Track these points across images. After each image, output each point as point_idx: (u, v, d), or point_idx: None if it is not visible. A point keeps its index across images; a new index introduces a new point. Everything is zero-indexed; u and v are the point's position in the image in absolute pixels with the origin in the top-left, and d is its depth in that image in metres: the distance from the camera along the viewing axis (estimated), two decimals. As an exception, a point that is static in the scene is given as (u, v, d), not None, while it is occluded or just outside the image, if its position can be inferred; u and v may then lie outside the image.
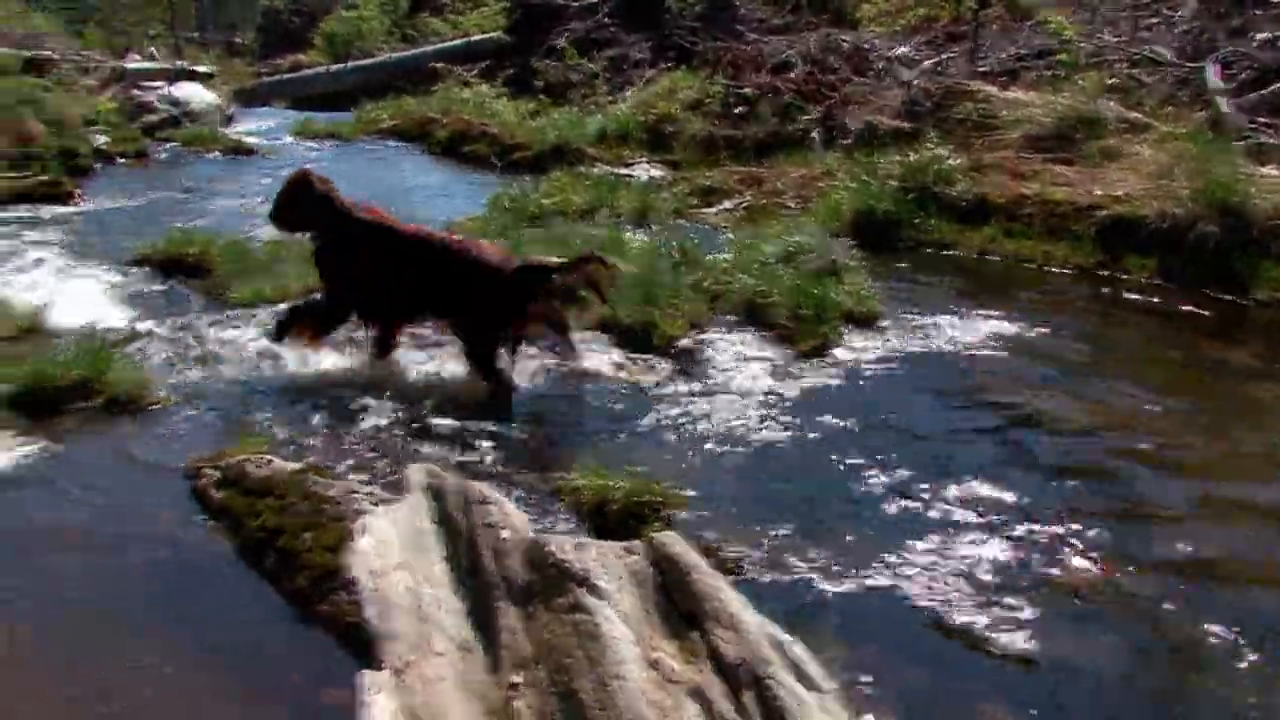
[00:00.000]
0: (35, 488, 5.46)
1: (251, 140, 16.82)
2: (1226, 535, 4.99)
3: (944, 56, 14.87)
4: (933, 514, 5.06)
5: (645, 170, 13.59)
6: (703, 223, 10.81)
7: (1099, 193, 9.65)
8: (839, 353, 7.14)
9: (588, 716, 3.15)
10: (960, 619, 4.26)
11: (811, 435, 5.95)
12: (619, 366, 6.98)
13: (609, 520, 4.91)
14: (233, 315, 7.70)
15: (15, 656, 4.16)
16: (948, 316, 7.82)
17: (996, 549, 4.76)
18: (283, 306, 7.04)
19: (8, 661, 4.13)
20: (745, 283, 7.93)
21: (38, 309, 7.81)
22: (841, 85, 14.55)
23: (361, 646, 3.86)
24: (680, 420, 6.19)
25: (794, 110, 14.19)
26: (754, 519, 5.04)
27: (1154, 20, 14.53)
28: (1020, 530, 4.92)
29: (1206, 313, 8.18)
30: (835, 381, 6.71)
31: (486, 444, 5.85)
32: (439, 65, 20.78)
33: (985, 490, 5.28)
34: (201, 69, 22.10)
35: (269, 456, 5.39)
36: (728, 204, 11.58)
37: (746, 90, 14.93)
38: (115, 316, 7.67)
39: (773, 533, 4.90)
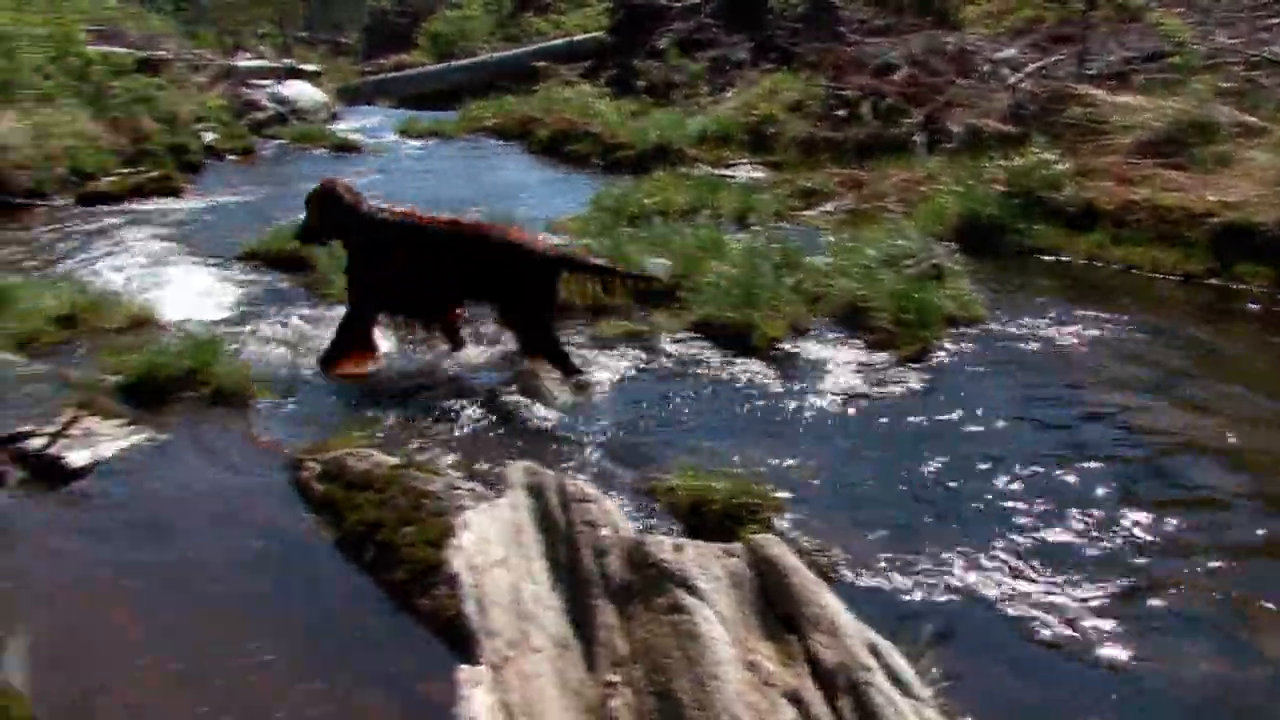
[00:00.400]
0: (142, 476, 5.59)
1: (356, 138, 17.07)
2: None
3: (1051, 59, 14.59)
4: (1032, 521, 4.99)
5: (746, 171, 13.56)
6: (803, 225, 10.74)
7: (1212, 199, 9.41)
8: (940, 357, 7.06)
9: (685, 717, 3.15)
10: (1060, 628, 4.20)
11: (910, 440, 5.89)
12: (717, 367, 6.97)
13: (706, 521, 4.91)
14: (333, 311, 7.80)
15: (119, 638, 4.25)
16: (1052, 322, 7.69)
17: (1097, 557, 4.69)
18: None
19: (111, 643, 4.23)
20: (846, 285, 7.88)
21: (148, 301, 7.99)
22: (945, 88, 14.38)
23: (460, 641, 3.89)
24: (778, 422, 6.17)
25: (896, 113, 14.06)
26: (851, 523, 5.01)
27: (1274, 21, 14.15)
28: (1121, 540, 4.83)
29: (1322, 323, 7.97)
30: (935, 386, 6.63)
31: (583, 442, 5.88)
32: (541, 65, 20.90)
33: (1085, 498, 5.20)
34: (308, 67, 22.45)
35: (369, 450, 5.47)
36: (828, 206, 11.50)
37: (848, 92, 14.83)
38: (222, 310, 7.81)
39: (869, 537, 4.87)
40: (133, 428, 6.01)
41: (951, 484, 5.37)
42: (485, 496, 4.75)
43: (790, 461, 5.61)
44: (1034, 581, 4.51)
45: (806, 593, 3.52)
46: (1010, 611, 4.32)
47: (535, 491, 4.24)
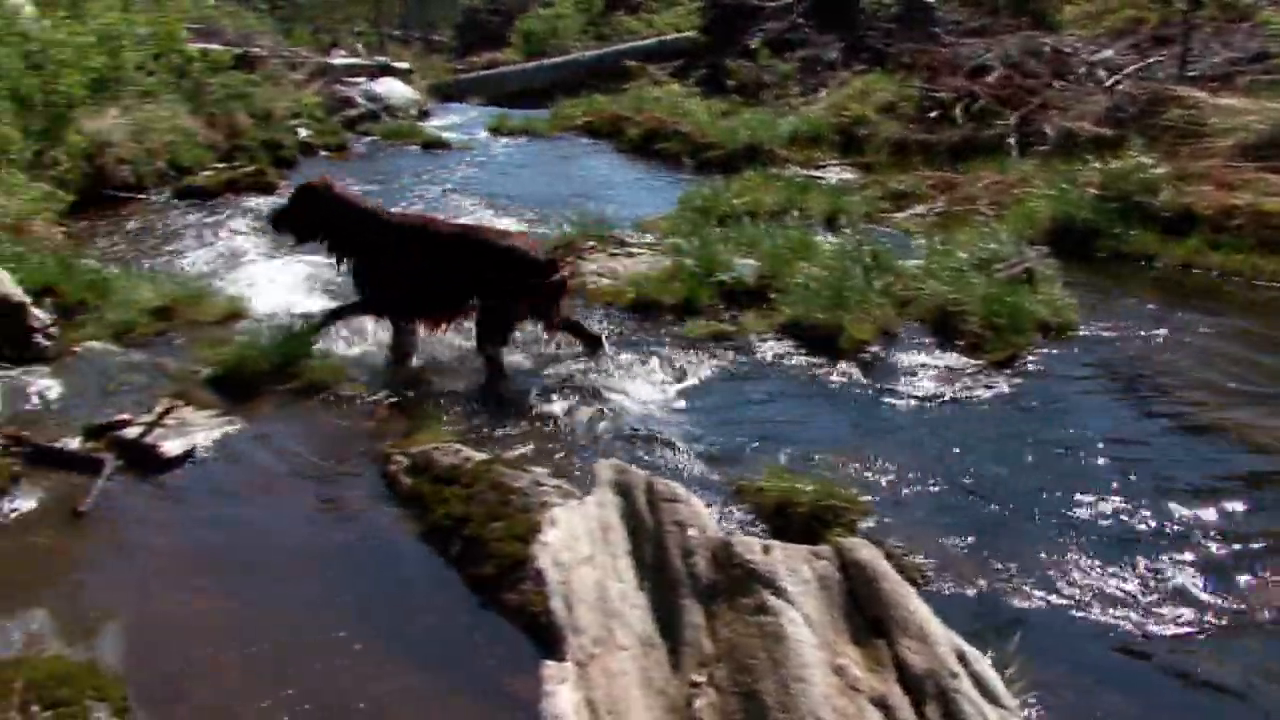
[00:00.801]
0: (233, 466, 5.69)
1: (448, 135, 17.18)
2: None
3: (1150, 60, 14.35)
4: (1123, 531, 4.92)
5: (836, 173, 13.48)
6: (894, 227, 10.66)
7: (1319, 205, 9.20)
8: (1031, 363, 6.96)
9: (769, 719, 3.14)
10: (1153, 642, 4.14)
11: (999, 446, 5.82)
12: (804, 369, 6.94)
13: (791, 523, 4.90)
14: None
15: (207, 624, 4.33)
16: (1146, 329, 7.55)
17: (1191, 570, 4.60)
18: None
19: (199, 628, 4.30)
20: (936, 289, 7.80)
21: (241, 295, 8.11)
22: (1040, 90, 14.18)
23: (544, 637, 3.92)
24: (865, 426, 6.14)
25: (990, 115, 13.89)
26: (938, 528, 4.97)
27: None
28: (1217, 551, 4.75)
29: None
30: (1026, 392, 6.55)
31: (669, 441, 5.89)
32: (632, 63, 20.91)
33: (1179, 508, 5.10)
34: (401, 65, 22.65)
35: (457, 445, 5.51)
36: (919, 209, 11.40)
37: (941, 94, 14.67)
38: (314, 304, 7.90)
39: (956, 543, 4.83)
40: (225, 418, 6.11)
41: (1041, 491, 5.30)
42: (571, 494, 4.77)
43: (877, 465, 5.57)
44: (1125, 593, 4.44)
45: (895, 597, 3.49)
46: (1100, 622, 4.26)
47: (623, 490, 4.24)
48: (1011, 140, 13.19)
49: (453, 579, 4.61)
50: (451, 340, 7.27)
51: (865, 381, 6.73)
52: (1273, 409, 6.33)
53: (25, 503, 5.12)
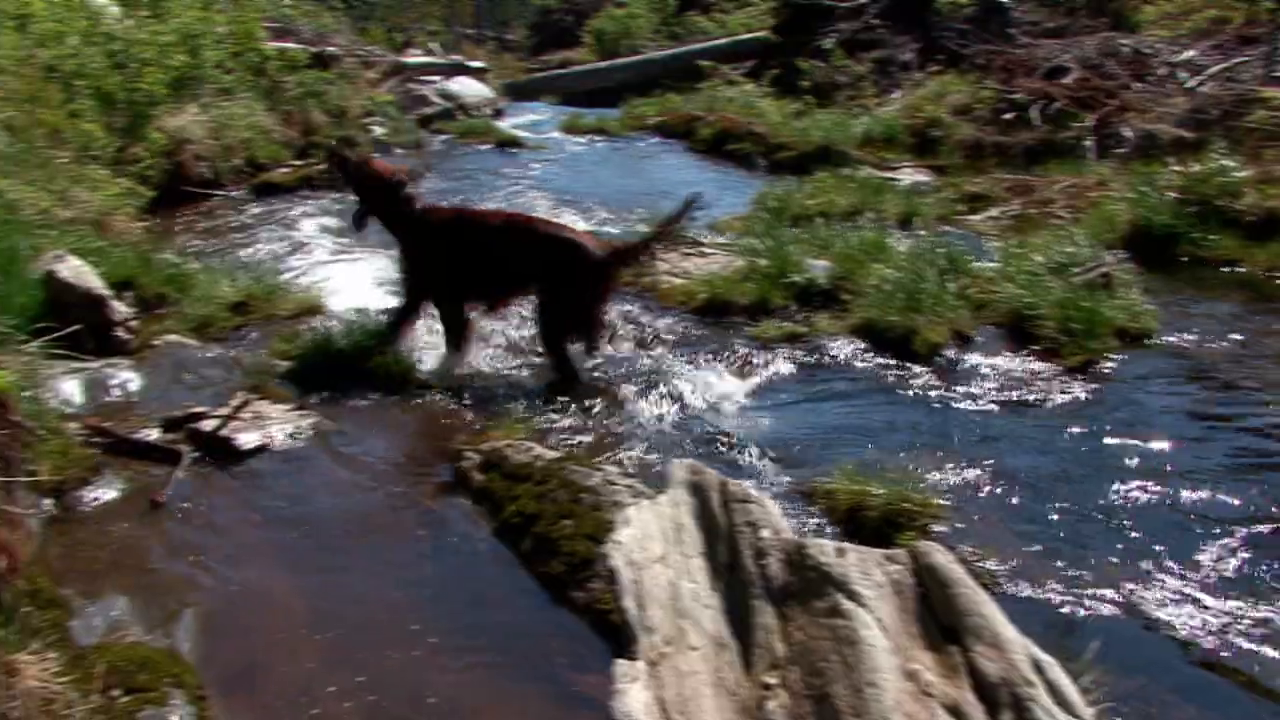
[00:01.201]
0: (307, 459, 5.75)
1: (521, 134, 17.28)
2: None
3: (1235, 61, 14.11)
4: (1202, 541, 4.81)
5: (910, 174, 13.38)
6: (968, 230, 10.56)
7: None
8: (1107, 369, 6.85)
9: (841, 723, 3.12)
10: (1235, 656, 4.05)
11: (1073, 453, 5.74)
12: (877, 371, 6.90)
13: (863, 526, 4.87)
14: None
15: (281, 614, 4.37)
16: (1227, 336, 7.40)
17: (1273, 583, 4.51)
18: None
19: (274, 618, 4.35)
20: (1011, 293, 7.71)
21: (316, 290, 8.20)
22: (1119, 91, 14.00)
23: (614, 635, 3.92)
24: (937, 429, 6.08)
25: (1067, 117, 13.74)
26: (1011, 534, 4.91)
27: None
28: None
29: None
30: (1101, 399, 6.44)
31: (741, 442, 5.87)
32: (704, 63, 20.88)
33: (1259, 520, 4.98)
34: (475, 64, 22.87)
35: (529, 443, 5.53)
36: (994, 211, 11.28)
37: (1017, 95, 14.53)
38: (387, 300, 7.97)
39: (1030, 549, 4.76)
40: (300, 412, 6.18)
41: (1116, 500, 5.21)
42: (642, 493, 4.77)
43: (949, 469, 5.52)
44: (1204, 604, 4.35)
45: (969, 603, 3.45)
46: (1179, 633, 4.18)
47: (697, 490, 4.24)
48: (1089, 143, 13.04)
49: (522, 576, 4.63)
50: (522, 337, 7.31)
51: (938, 385, 6.67)
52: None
53: (106, 492, 5.22)
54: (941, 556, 3.66)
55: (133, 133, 11.19)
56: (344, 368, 6.67)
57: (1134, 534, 4.88)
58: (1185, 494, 5.21)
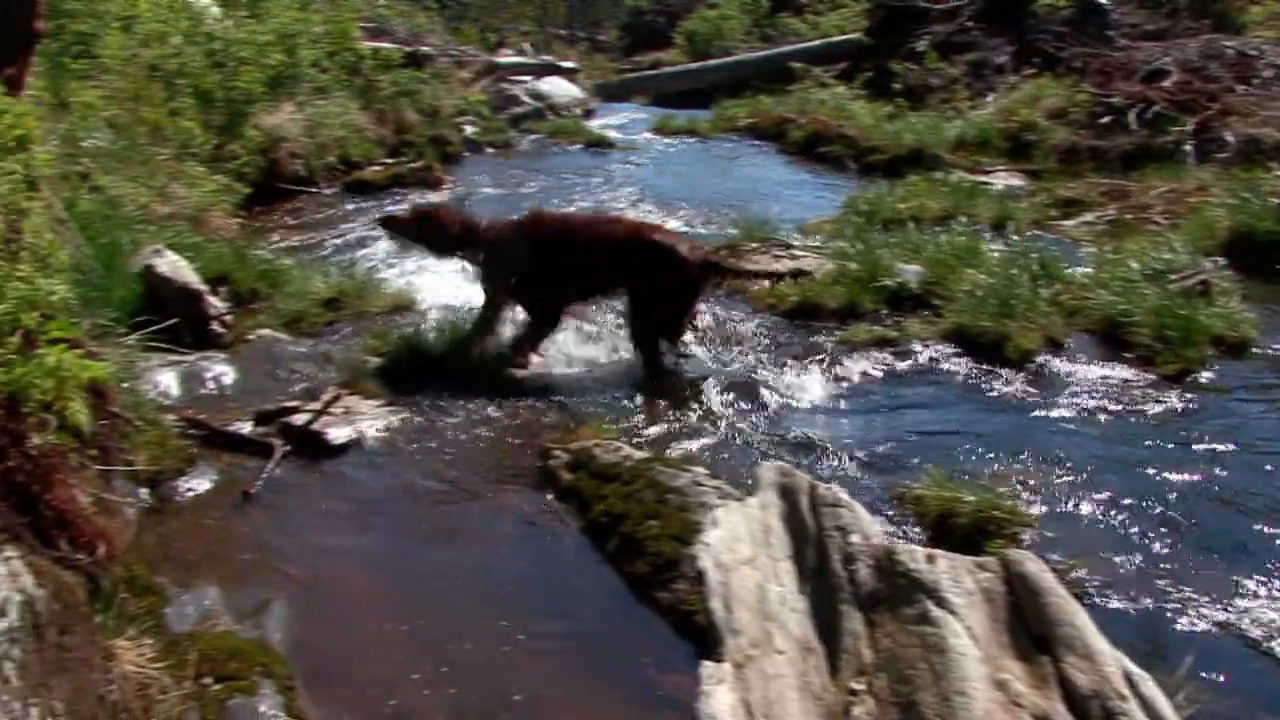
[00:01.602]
0: (396, 455, 5.82)
1: (611, 134, 17.34)
2: None
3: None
4: (1303, 558, 4.71)
5: (1004, 179, 13.22)
6: (1062, 235, 10.40)
7: None
8: (1204, 378, 6.71)
9: (928, 732, 3.09)
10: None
11: (1167, 463, 5.61)
12: (968, 377, 6.82)
13: (952, 533, 4.81)
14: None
15: (368, 606, 4.43)
16: (1331, 347, 7.25)
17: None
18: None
19: (361, 610, 4.41)
20: (1105, 299, 7.58)
21: (407, 286, 8.28)
22: (1221, 95, 13.72)
23: (698, 636, 3.92)
24: (1028, 436, 5.99)
25: (1165, 121, 13.50)
26: (1102, 544, 4.82)
27: None
28: None
29: None
30: (1197, 409, 6.31)
31: (829, 445, 5.84)
32: (796, 65, 20.79)
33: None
34: (567, 64, 22.97)
35: (617, 443, 5.54)
36: (1089, 217, 11.11)
37: (1115, 99, 14.30)
38: (477, 296, 8.03)
39: (1122, 560, 4.68)
40: (390, 408, 6.25)
41: (1211, 512, 5.10)
42: (730, 494, 4.76)
43: (1040, 477, 5.44)
44: (1305, 621, 4.26)
45: (1061, 613, 3.39)
46: (1276, 651, 4.09)
47: (786, 493, 4.22)
48: (1188, 147, 12.80)
49: (608, 575, 4.64)
50: (610, 335, 7.32)
51: (1030, 391, 6.58)
52: None
53: (200, 483, 5.32)
54: (1033, 565, 3.61)
55: (230, 130, 11.38)
56: (434, 365, 6.73)
57: (1231, 548, 4.78)
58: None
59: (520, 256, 6.96)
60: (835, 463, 5.65)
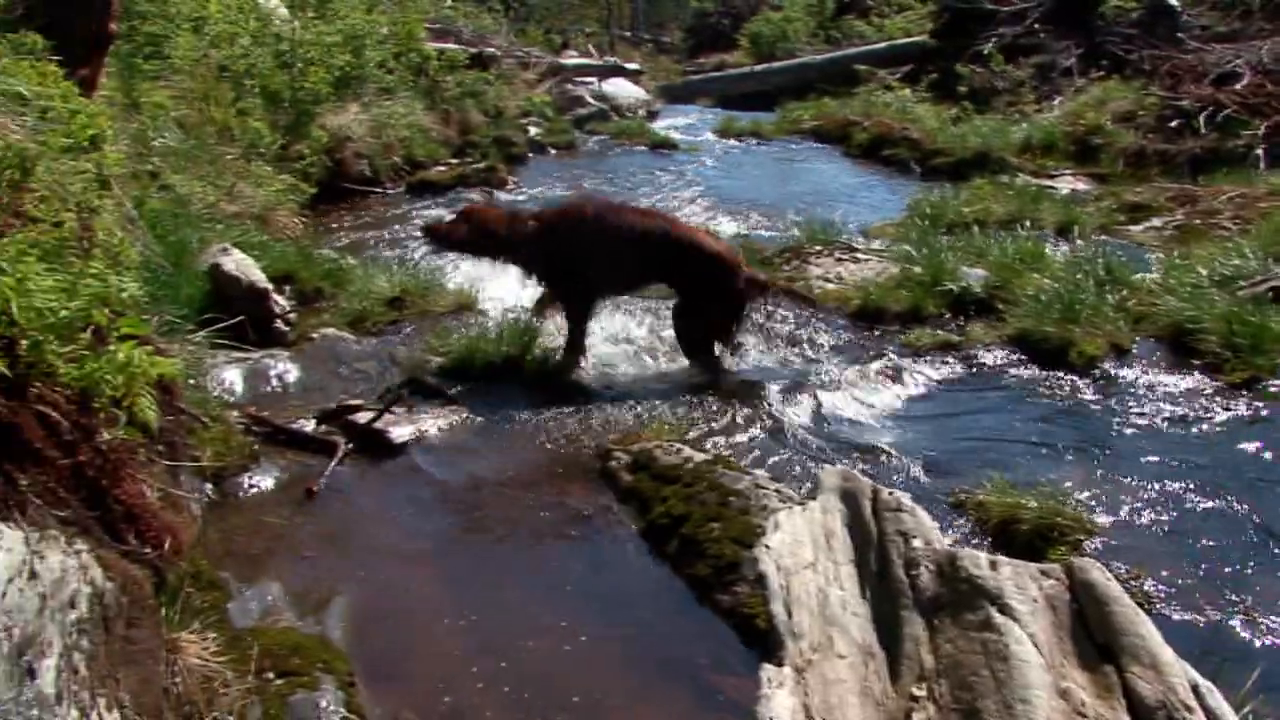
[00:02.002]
0: (458, 454, 5.85)
1: (675, 136, 17.37)
2: None
3: None
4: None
5: (1069, 183, 13.10)
6: (1129, 240, 10.29)
7: None
8: (1273, 387, 6.61)
9: (989, 739, 3.06)
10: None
11: (1235, 472, 5.54)
12: (1032, 383, 6.76)
13: (1014, 540, 4.78)
14: (649, 304, 7.92)
15: (428, 604, 4.45)
16: None
17: None
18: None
19: (421, 607, 4.43)
20: (1172, 305, 7.49)
21: (471, 287, 8.31)
22: (1294, 99, 13.54)
23: (758, 639, 3.91)
24: (1093, 443, 5.93)
25: (1236, 124, 13.31)
26: (1167, 554, 4.76)
27: None
28: None
29: None
30: (1267, 417, 6.21)
31: (891, 449, 5.82)
32: (861, 67, 20.72)
33: None
34: (631, 66, 23.01)
35: (678, 444, 5.54)
36: (1156, 222, 10.98)
37: (1184, 102, 14.12)
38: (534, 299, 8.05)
39: (1187, 570, 4.62)
40: (452, 407, 6.27)
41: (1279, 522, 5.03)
42: (791, 498, 4.75)
43: (1104, 485, 5.39)
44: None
45: (1126, 622, 3.35)
46: (1348, 665, 4.02)
47: (848, 497, 4.20)
48: (1259, 151, 12.61)
49: (668, 576, 4.64)
50: (668, 338, 7.33)
51: (1095, 398, 6.52)
52: None
53: (264, 480, 5.36)
54: (1098, 573, 3.57)
55: (296, 130, 11.49)
56: (495, 365, 6.76)
57: (1297, 559, 4.71)
58: (1355, 520, 5.00)
59: (571, 252, 6.99)
60: (897, 467, 5.62)
